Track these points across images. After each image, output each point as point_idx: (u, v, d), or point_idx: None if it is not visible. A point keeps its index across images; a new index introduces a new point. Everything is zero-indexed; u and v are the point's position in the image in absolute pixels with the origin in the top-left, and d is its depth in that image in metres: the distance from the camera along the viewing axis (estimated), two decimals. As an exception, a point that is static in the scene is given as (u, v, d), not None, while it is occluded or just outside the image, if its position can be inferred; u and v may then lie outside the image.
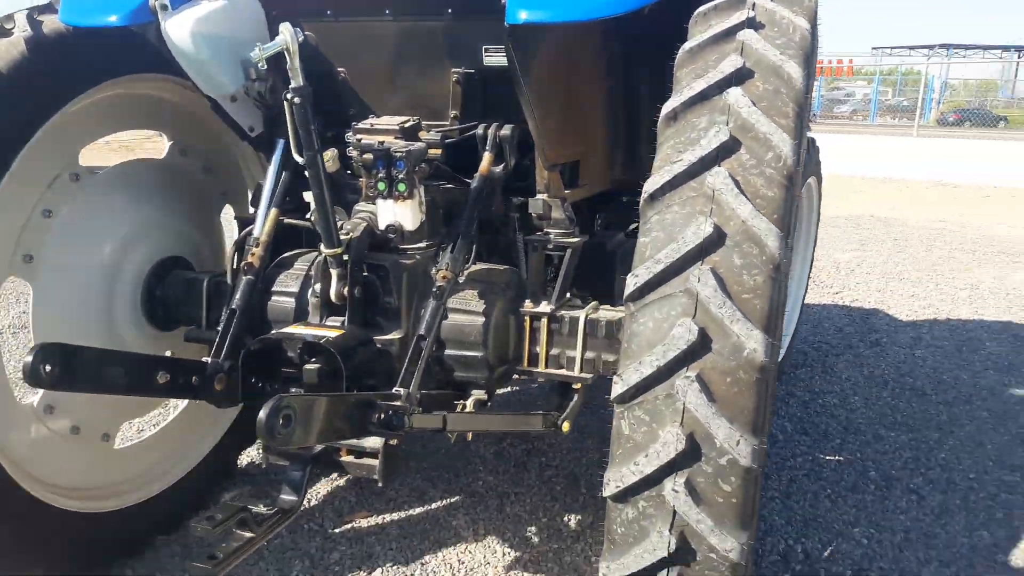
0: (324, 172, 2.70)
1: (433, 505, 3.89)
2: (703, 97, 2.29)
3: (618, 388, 2.08)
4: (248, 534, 2.47)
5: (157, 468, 3.56)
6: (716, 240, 2.06)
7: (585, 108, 3.30)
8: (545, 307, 2.99)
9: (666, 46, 2.78)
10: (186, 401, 3.72)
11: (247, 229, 3.15)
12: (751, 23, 2.43)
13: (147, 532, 3.47)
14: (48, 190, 3.00)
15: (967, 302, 7.92)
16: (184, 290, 3.32)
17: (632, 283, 2.13)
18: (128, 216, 3.29)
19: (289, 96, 2.53)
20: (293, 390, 2.74)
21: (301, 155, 2.66)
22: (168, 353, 3.39)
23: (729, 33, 2.42)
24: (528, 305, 3.02)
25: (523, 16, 2.43)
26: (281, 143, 3.22)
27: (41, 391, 2.98)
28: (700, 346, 1.99)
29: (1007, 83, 61.67)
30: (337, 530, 3.66)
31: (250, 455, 4.20)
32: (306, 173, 2.71)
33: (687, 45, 2.49)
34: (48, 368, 2.29)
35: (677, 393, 1.99)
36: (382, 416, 2.44)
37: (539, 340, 2.98)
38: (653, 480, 2.00)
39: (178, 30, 2.74)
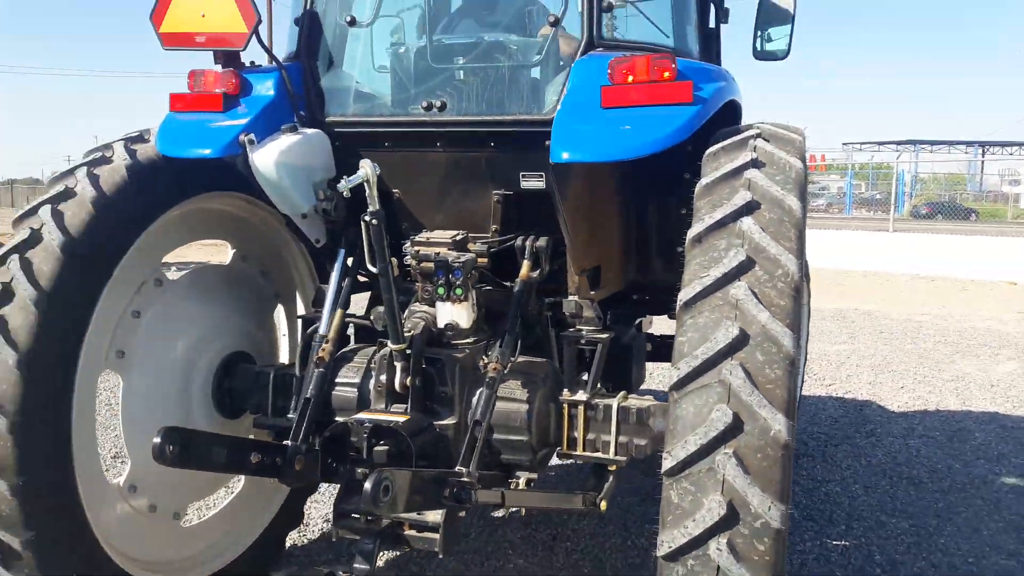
0: (393, 279, 3.05)
1: (470, 587, 4.11)
2: (721, 224, 2.75)
3: (667, 463, 2.42)
4: None
5: (217, 546, 3.82)
6: (742, 340, 2.47)
7: (606, 223, 3.76)
8: (581, 395, 3.32)
9: (669, 177, 3.45)
10: (242, 484, 3.99)
11: (313, 327, 3.48)
12: (755, 163, 2.91)
13: None
14: (137, 294, 3.35)
15: (954, 393, 8.30)
16: (251, 382, 3.63)
17: (675, 375, 2.50)
18: (201, 316, 3.64)
19: (367, 218, 2.90)
20: (359, 470, 3.03)
21: (375, 266, 3.01)
22: None
23: (738, 171, 2.89)
24: (566, 394, 3.35)
25: (565, 156, 3.02)
26: (342, 252, 3.60)
27: (126, 472, 3.29)
28: (734, 427, 2.37)
29: (973, 177, 63.92)
30: (382, 612, 3.87)
31: (292, 538, 4.41)
32: (379, 279, 3.05)
33: (703, 180, 2.94)
34: (171, 448, 2.62)
35: (717, 467, 2.35)
36: (452, 491, 2.75)
37: (577, 426, 3.31)
38: (700, 541, 2.32)
39: (264, 160, 3.23)
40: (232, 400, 3.68)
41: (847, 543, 4.74)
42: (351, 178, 2.84)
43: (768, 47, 4.62)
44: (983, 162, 61.03)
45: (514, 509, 3.30)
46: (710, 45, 4.47)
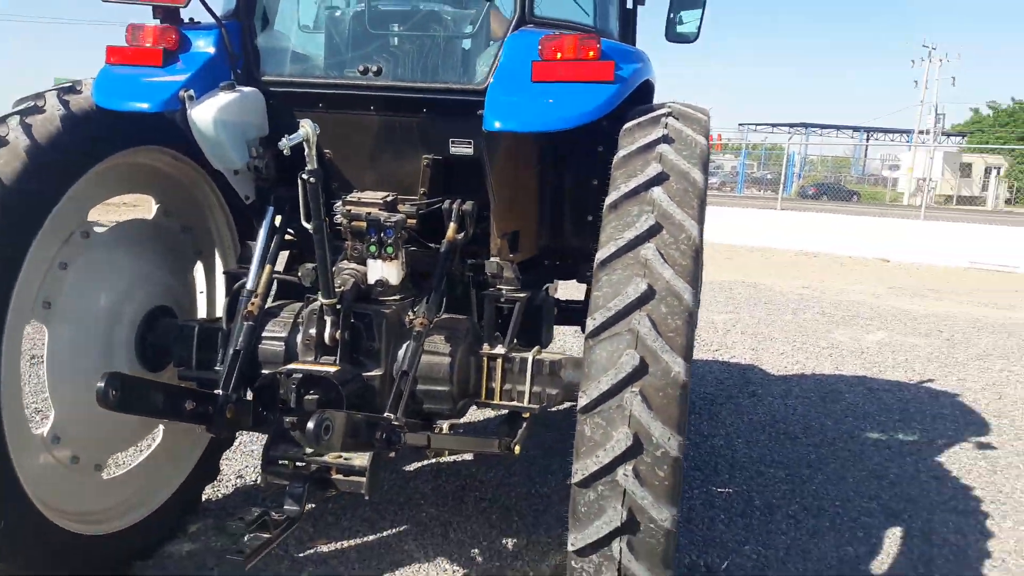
0: (327, 236, 3.21)
1: (384, 533, 4.35)
2: (634, 193, 3.04)
3: (583, 401, 2.72)
4: (267, 535, 2.93)
5: (136, 498, 3.90)
6: (649, 294, 2.78)
7: (527, 190, 3.99)
8: (500, 349, 3.57)
9: (583, 149, 3.72)
10: (160, 438, 4.09)
11: (240, 282, 3.61)
12: (665, 139, 3.20)
13: (128, 556, 3.80)
14: (65, 245, 3.40)
15: (828, 359, 8.99)
16: (175, 336, 3.73)
17: (591, 324, 2.79)
18: (126, 270, 3.70)
19: (305, 176, 3.04)
20: (288, 419, 3.21)
21: (308, 223, 3.17)
22: None
23: (650, 146, 3.18)
24: (485, 348, 3.60)
25: (497, 125, 3.22)
26: (270, 210, 3.72)
27: (49, 423, 3.37)
28: (641, 369, 2.69)
29: (858, 161, 67.15)
30: (301, 555, 4.07)
31: (207, 493, 4.54)
32: (313, 236, 3.20)
33: (620, 153, 3.21)
34: (114, 392, 2.74)
35: (625, 404, 2.67)
36: (383, 434, 2.97)
37: (495, 377, 3.55)
38: (609, 468, 2.64)
39: (202, 116, 3.31)
40: (155, 353, 3.75)
41: (730, 490, 5.20)
42: (291, 136, 2.94)
43: (680, 30, 4.91)
44: (867, 147, 64.16)
45: (425, 463, 3.53)
46: (628, 25, 4.75)
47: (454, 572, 4.00)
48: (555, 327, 4.77)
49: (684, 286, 2.77)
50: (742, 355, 8.95)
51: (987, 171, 56.60)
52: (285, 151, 2.96)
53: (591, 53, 3.26)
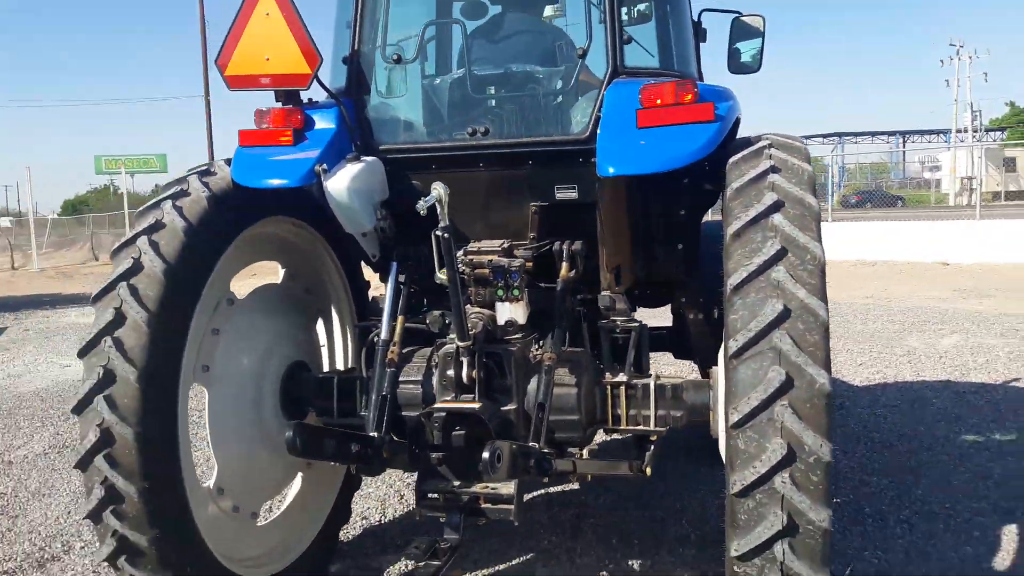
0: (460, 285, 3.46)
1: (514, 562, 4.54)
2: (756, 220, 3.21)
3: (734, 417, 2.89)
4: (436, 562, 3.20)
5: (285, 543, 4.17)
6: (785, 313, 2.95)
7: (628, 226, 4.21)
8: (622, 377, 3.78)
9: (672, 185, 3.90)
10: (299, 485, 4.35)
11: (374, 333, 3.88)
12: (774, 168, 3.38)
13: None
14: (215, 313, 3.70)
15: (908, 365, 9.01)
16: (314, 387, 4.01)
17: (733, 346, 2.96)
18: (266, 330, 4.00)
19: (439, 232, 3.28)
20: (435, 455, 3.43)
21: (443, 274, 3.41)
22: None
23: (762, 176, 3.35)
24: (608, 376, 3.80)
25: (611, 171, 3.47)
26: (394, 266, 4.00)
27: (215, 474, 3.64)
28: (787, 384, 2.86)
29: (896, 165, 66.47)
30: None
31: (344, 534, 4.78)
32: (448, 286, 3.44)
33: (733, 185, 3.38)
34: (300, 440, 3.01)
35: (776, 416, 2.83)
36: (535, 461, 3.18)
37: (620, 404, 3.77)
38: (766, 477, 2.81)
39: (336, 186, 3.65)
40: (296, 404, 4.04)
41: (839, 500, 5.28)
42: (427, 199, 3.20)
43: (743, 60, 5.13)
44: (904, 152, 63.56)
45: (536, 494, 3.69)
46: (697, 63, 4.99)
47: (590, 595, 4.17)
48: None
49: (818, 303, 2.93)
50: (820, 368, 8.98)
51: (1033, 164, 55.68)
52: (422, 211, 3.21)
53: (689, 97, 3.50)
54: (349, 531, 5.01)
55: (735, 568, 2.88)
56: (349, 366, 4.60)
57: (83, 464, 3.23)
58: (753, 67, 5.14)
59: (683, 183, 4.04)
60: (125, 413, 3.17)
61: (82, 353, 3.29)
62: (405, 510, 5.40)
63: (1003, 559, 4.47)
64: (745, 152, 3.50)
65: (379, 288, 4.47)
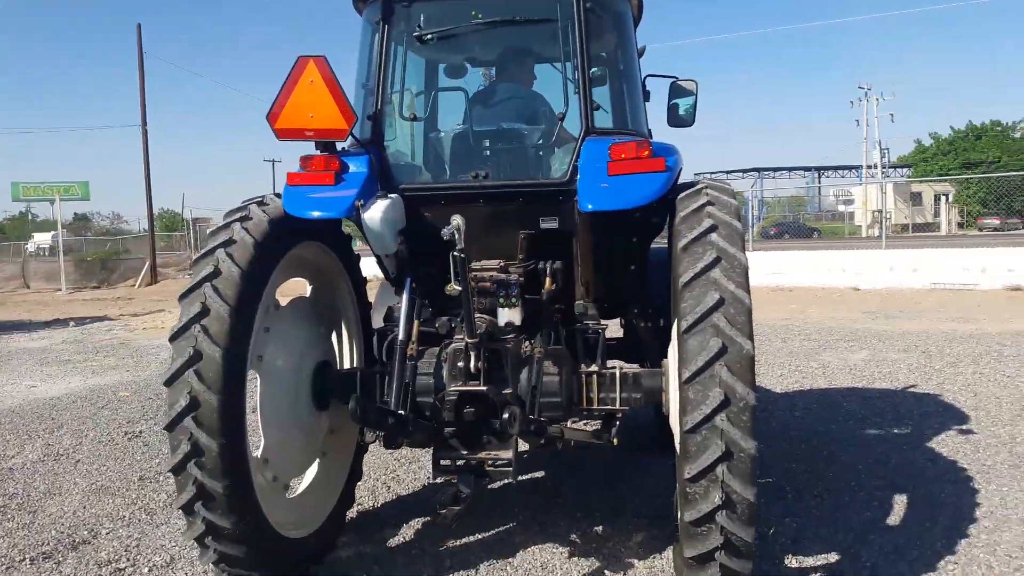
0: (470, 294, 4.31)
1: (493, 531, 5.36)
2: (697, 239, 4.15)
3: (685, 374, 3.78)
4: (457, 507, 4.14)
5: (309, 514, 4.93)
6: (721, 302, 3.88)
7: (597, 250, 5.15)
8: (594, 368, 4.70)
9: (631, 220, 4.82)
10: (316, 465, 5.12)
11: (392, 335, 4.73)
12: (710, 203, 4.31)
13: (318, 554, 4.88)
14: (266, 314, 4.49)
15: (822, 376, 10.17)
16: (341, 381, 4.83)
17: (684, 325, 3.86)
18: (301, 333, 4.81)
19: (456, 253, 4.11)
20: (448, 429, 4.32)
21: (455, 286, 4.26)
22: (327, 424, 4.90)
23: (701, 208, 4.30)
24: (583, 367, 4.72)
25: (589, 207, 4.45)
26: (408, 281, 4.85)
27: (262, 446, 4.41)
28: (723, 350, 3.76)
29: (812, 199, 69.72)
30: (440, 549, 5.08)
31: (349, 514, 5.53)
32: (461, 295, 4.29)
33: (680, 214, 4.32)
34: (359, 410, 3.85)
35: (716, 373, 3.74)
36: (534, 427, 4.08)
37: (592, 389, 4.69)
38: (709, 418, 3.70)
39: (372, 217, 4.55)
40: (322, 395, 4.85)
41: (764, 480, 6.26)
42: (448, 227, 4.01)
43: (680, 115, 6.14)
44: (819, 187, 66.82)
45: (507, 482, 4.54)
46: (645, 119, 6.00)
47: (560, 552, 5.03)
48: None
49: (743, 294, 3.88)
50: (746, 380, 10.07)
51: (936, 198, 59.26)
52: (446, 237, 4.04)
53: (646, 152, 4.50)
54: (349, 514, 5.76)
55: (687, 489, 3.75)
56: (356, 364, 5.42)
57: (172, 425, 3.95)
58: (688, 121, 6.15)
59: (637, 217, 5.00)
60: (209, 384, 3.93)
61: (173, 338, 4.05)
62: (393, 498, 6.19)
63: (895, 520, 5.49)
64: (688, 191, 4.47)
65: (377, 288, 5.54)
